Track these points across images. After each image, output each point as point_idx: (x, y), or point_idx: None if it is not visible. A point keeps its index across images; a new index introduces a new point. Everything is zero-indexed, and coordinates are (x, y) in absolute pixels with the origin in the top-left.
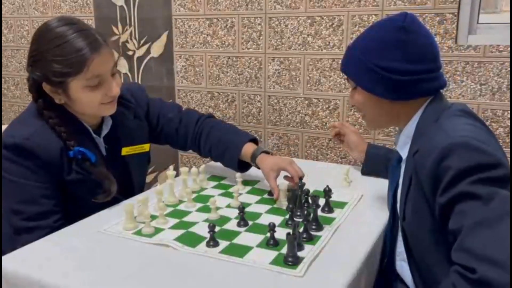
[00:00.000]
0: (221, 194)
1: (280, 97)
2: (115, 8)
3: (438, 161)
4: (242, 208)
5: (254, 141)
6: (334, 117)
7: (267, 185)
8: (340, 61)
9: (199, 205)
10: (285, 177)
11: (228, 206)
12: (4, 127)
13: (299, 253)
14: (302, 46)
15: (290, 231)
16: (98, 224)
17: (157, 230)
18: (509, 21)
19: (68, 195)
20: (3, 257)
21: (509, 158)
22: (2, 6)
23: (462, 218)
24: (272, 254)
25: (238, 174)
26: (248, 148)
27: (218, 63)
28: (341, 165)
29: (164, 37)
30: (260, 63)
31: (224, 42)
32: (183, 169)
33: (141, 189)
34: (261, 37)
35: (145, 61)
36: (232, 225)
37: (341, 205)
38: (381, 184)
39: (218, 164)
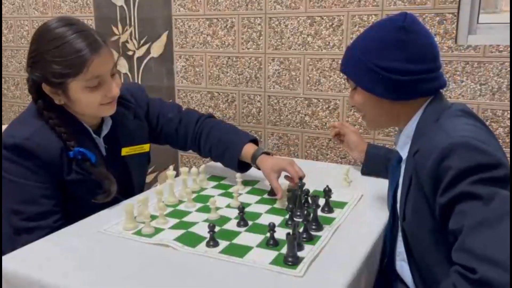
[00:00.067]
0: (221, 194)
1: (280, 97)
2: (115, 8)
3: (439, 161)
4: (242, 208)
5: (254, 141)
6: (334, 117)
7: (267, 185)
8: (340, 61)
9: (199, 205)
10: (286, 177)
11: (228, 206)
12: (4, 127)
13: (299, 253)
14: (302, 46)
15: (290, 231)
16: (98, 224)
17: (157, 230)
18: (509, 21)
19: (68, 195)
20: (3, 257)
21: (509, 158)
22: (2, 6)
23: (462, 218)
24: (272, 254)
25: (238, 174)
26: (249, 149)
27: (218, 63)
28: (341, 165)
29: (164, 37)
30: (260, 63)
31: (224, 42)
32: (183, 169)
33: (141, 189)
34: (261, 37)
35: (145, 61)
36: (232, 225)
37: (341, 205)
38: (381, 184)
39: (218, 164)
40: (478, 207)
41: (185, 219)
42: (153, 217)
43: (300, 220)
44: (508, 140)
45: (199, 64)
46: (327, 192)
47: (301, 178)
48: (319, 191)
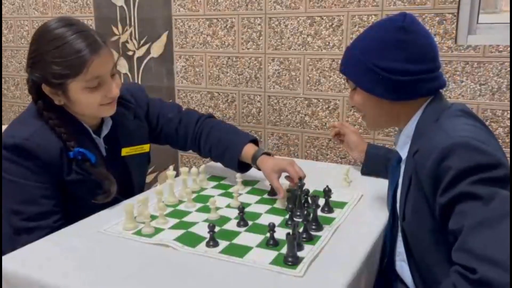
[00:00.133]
0: (221, 194)
1: (280, 97)
2: (115, 8)
3: (439, 161)
4: (242, 208)
5: (255, 141)
6: (334, 117)
7: (267, 185)
8: (339, 61)
9: (199, 205)
10: (287, 178)
11: (228, 206)
12: (4, 127)
13: (299, 253)
14: (302, 46)
15: (290, 231)
16: (98, 224)
17: (157, 230)
18: (509, 21)
19: (68, 196)
20: (3, 257)
21: (509, 158)
22: (2, 6)
23: (462, 218)
24: (272, 254)
25: (238, 174)
26: (249, 149)
27: (218, 63)
28: (341, 165)
29: (164, 37)
30: (260, 63)
31: (224, 42)
32: (183, 169)
33: (141, 189)
34: (261, 37)
35: (145, 61)
36: (232, 225)
37: (341, 205)
38: (381, 184)
39: (218, 164)
40: (478, 207)
41: (185, 219)
42: (153, 217)
43: (300, 220)
44: (508, 140)
45: (199, 64)
46: (327, 192)
47: (301, 178)
48: (319, 191)
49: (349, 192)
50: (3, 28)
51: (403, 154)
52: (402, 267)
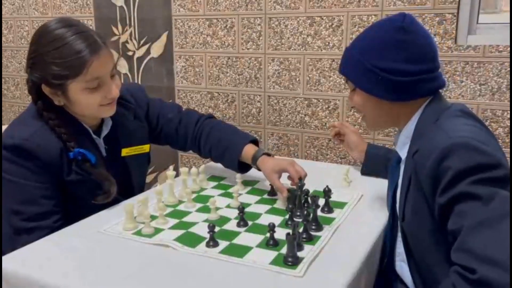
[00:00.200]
0: (221, 195)
1: (280, 97)
2: (115, 8)
3: (438, 162)
4: (242, 208)
5: (254, 142)
6: (334, 117)
7: (267, 185)
8: (339, 62)
9: (199, 205)
10: (289, 178)
11: (228, 206)
12: (4, 127)
13: (299, 253)
14: (302, 47)
15: (290, 231)
16: (98, 224)
17: (157, 231)
18: (509, 21)
19: (68, 196)
20: (3, 257)
21: (509, 159)
22: (2, 6)
23: (461, 218)
24: (272, 254)
25: (238, 175)
26: (249, 150)
27: (218, 63)
28: (341, 165)
29: (164, 38)
30: (260, 63)
31: (224, 42)
32: (183, 170)
33: (141, 190)
34: (261, 38)
35: (145, 62)
36: (232, 226)
37: (341, 205)
38: (381, 184)
39: (218, 164)
40: (478, 207)
41: (185, 219)
42: (153, 217)
43: (300, 220)
44: (508, 140)
45: (199, 64)
46: (327, 192)
47: (300, 178)
48: (319, 191)
49: (349, 192)
50: (3, 28)
51: (403, 154)
52: (402, 267)
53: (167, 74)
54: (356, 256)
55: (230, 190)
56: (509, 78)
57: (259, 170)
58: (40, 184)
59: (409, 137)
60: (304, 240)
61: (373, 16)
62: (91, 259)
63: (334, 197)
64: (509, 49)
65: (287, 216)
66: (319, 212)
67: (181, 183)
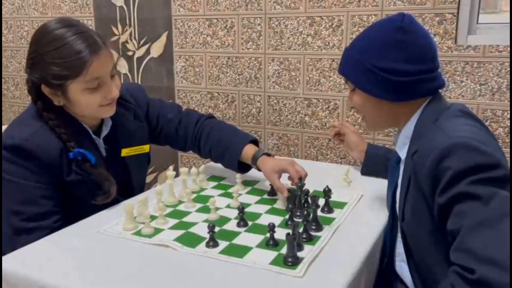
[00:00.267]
0: (221, 195)
1: (280, 97)
2: (115, 8)
3: (438, 162)
4: (241, 208)
5: (255, 142)
6: (334, 117)
7: (267, 185)
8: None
9: (198, 205)
10: (289, 178)
11: (228, 206)
12: (4, 127)
13: (299, 254)
14: (302, 47)
15: (290, 231)
16: (98, 224)
17: (157, 231)
18: (509, 21)
19: (68, 196)
20: (3, 257)
21: (509, 159)
22: (2, 6)
23: (461, 218)
24: (271, 254)
25: (238, 175)
26: (249, 150)
27: (218, 63)
28: (341, 165)
29: (164, 38)
30: (260, 63)
31: (224, 42)
32: (182, 170)
33: (141, 190)
34: (260, 38)
35: (145, 62)
36: (231, 226)
37: (341, 205)
38: (381, 184)
39: (218, 164)
40: (477, 207)
41: (185, 219)
42: (153, 218)
43: (300, 220)
44: (508, 140)
45: (199, 65)
46: (327, 192)
47: (300, 178)
48: (319, 191)
49: (349, 192)
50: (3, 28)
51: (402, 154)
52: (402, 267)
53: (167, 74)
54: (356, 256)
55: (230, 190)
56: (509, 78)
57: (259, 170)
58: (40, 184)
59: (409, 137)
60: (304, 240)
61: (373, 16)
62: (91, 259)
63: (334, 197)
64: (509, 49)
65: (287, 216)
66: (319, 212)
67: (181, 183)
